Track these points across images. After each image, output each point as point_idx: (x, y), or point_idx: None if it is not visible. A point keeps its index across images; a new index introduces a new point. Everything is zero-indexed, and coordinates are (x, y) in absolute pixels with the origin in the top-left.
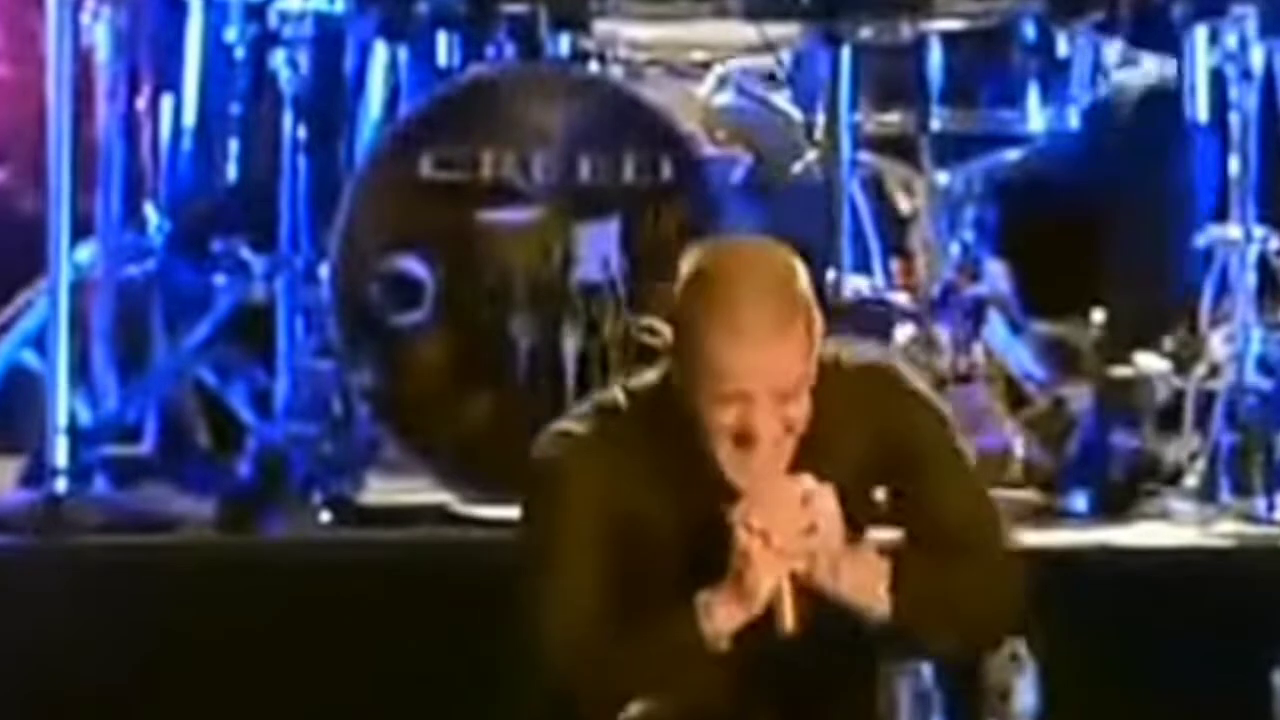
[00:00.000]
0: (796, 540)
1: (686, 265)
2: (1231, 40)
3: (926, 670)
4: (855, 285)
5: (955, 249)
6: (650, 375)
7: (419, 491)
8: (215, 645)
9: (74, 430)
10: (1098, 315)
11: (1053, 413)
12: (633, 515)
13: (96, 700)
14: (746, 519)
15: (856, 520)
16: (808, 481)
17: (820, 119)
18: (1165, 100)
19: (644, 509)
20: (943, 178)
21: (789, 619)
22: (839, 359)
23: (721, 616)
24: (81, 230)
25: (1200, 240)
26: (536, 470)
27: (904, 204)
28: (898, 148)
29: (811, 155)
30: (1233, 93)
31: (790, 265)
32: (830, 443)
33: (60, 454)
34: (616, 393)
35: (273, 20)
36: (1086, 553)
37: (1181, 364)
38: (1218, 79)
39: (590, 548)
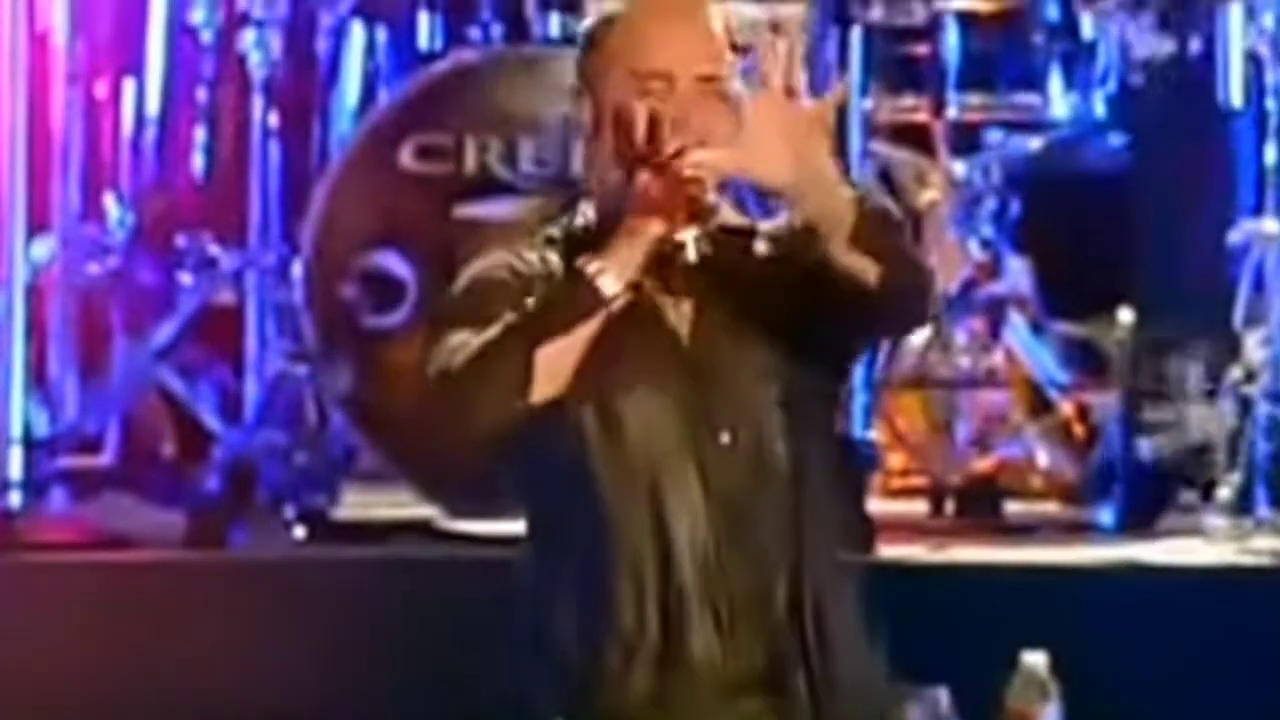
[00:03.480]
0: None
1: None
2: (1268, 20)
3: (944, 696)
4: None
5: (973, 244)
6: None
7: (400, 505)
8: (181, 666)
9: (30, 440)
10: (1125, 315)
11: (1077, 420)
12: None
13: None
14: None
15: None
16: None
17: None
18: (1197, 85)
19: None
20: (960, 168)
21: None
22: None
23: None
24: (37, 225)
25: (1235, 235)
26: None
27: (918, 196)
28: (911, 136)
29: None
30: (1269, 76)
31: None
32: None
33: (15, 466)
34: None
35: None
36: (1113, 570)
37: (1214, 369)
38: (1253, 61)
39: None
